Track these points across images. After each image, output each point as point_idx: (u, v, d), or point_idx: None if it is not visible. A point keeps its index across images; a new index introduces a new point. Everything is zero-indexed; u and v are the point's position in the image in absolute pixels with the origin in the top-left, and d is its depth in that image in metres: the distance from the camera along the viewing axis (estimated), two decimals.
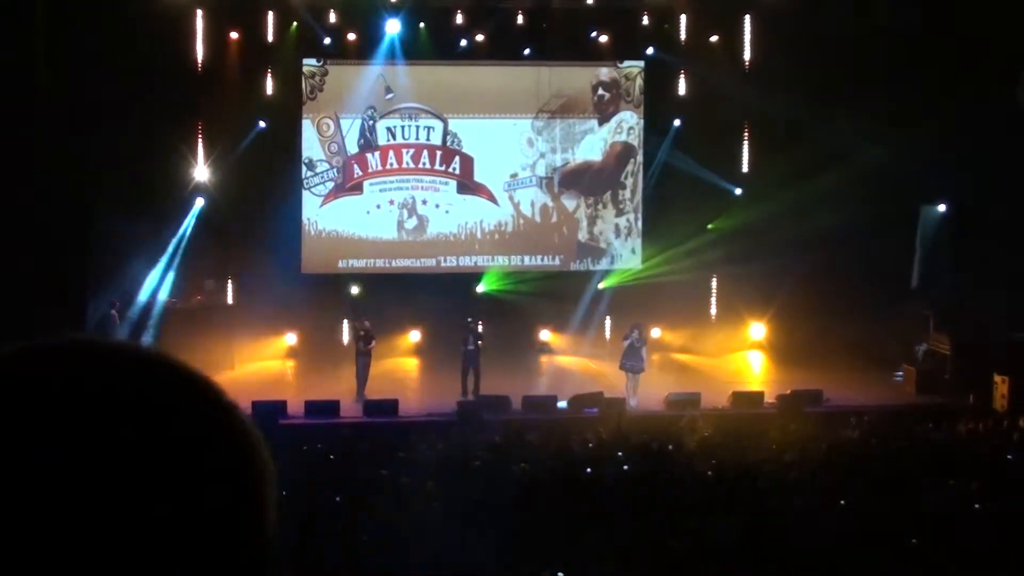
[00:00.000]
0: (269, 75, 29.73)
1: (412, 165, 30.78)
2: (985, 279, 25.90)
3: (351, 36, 29.86)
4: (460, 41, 30.35)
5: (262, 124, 29.42)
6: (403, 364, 29.55)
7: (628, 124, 31.61)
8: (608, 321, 31.08)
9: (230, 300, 29.29)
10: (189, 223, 28.72)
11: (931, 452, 19.49)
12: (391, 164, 30.70)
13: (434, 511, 14.49)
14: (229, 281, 29.51)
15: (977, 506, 15.10)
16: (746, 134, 31.26)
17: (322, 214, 30.45)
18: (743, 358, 30.86)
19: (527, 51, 30.66)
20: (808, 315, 28.68)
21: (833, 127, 27.46)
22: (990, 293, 25.59)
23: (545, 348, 30.94)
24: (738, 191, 31.17)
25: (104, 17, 25.89)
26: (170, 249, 28.35)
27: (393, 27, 29.68)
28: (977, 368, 25.69)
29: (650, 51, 31.14)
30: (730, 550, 12.97)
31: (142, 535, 1.24)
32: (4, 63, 23.73)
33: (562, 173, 31.45)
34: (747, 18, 30.89)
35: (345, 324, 29.79)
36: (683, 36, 31.24)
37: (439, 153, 30.85)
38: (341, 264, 30.44)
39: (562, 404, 24.85)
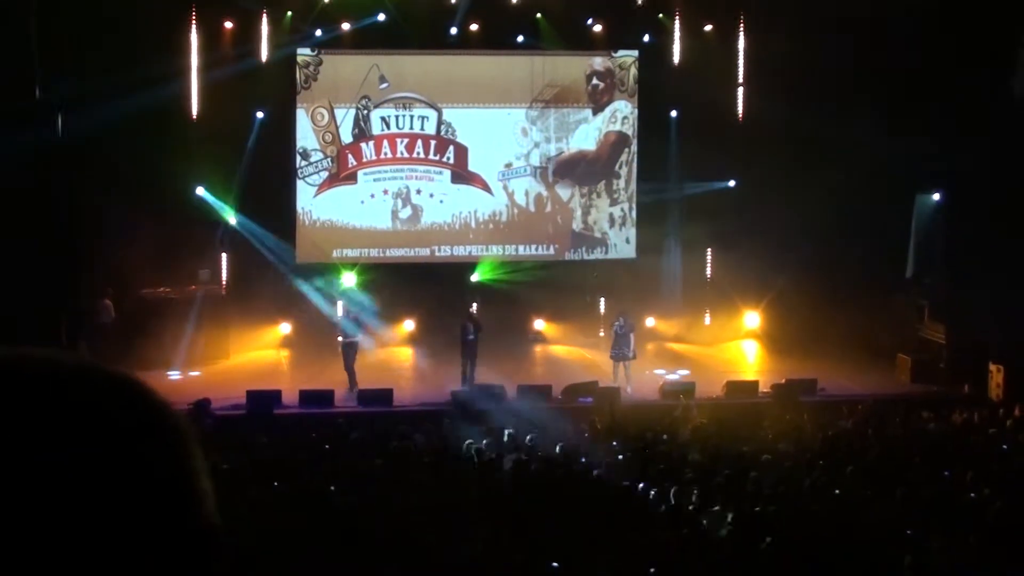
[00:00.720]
0: (263, 65, 29.67)
1: (406, 155, 30.75)
2: (980, 268, 25.91)
3: (345, 25, 29.81)
4: (454, 30, 30.34)
5: (260, 115, 29.46)
6: (397, 354, 29.53)
7: (623, 114, 31.58)
8: (603, 310, 31.10)
9: (224, 289, 29.21)
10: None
11: (926, 442, 19.51)
12: (385, 153, 30.67)
13: (428, 501, 14.50)
14: (224, 270, 29.46)
15: (972, 495, 15.12)
16: (741, 123, 31.19)
17: (316, 204, 30.41)
18: (738, 347, 30.85)
19: (520, 39, 30.63)
20: (803, 304, 28.66)
21: (828, 117, 27.42)
22: (985, 282, 25.59)
23: (539, 337, 30.92)
24: (731, 183, 31.14)
25: (98, 7, 25.88)
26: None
27: (386, 16, 29.69)
28: (972, 357, 25.70)
29: (646, 38, 31.11)
30: (725, 539, 12.98)
31: (68, 535, 1.27)
32: (4, 60, 23.71)
33: (556, 163, 31.42)
34: (741, 7, 30.84)
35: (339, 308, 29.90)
36: (677, 25, 31.20)
37: (433, 143, 30.81)
38: (335, 254, 30.40)
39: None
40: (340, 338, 26.13)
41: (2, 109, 23.80)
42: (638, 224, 31.63)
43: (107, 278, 27.46)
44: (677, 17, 31.14)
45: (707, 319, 31.53)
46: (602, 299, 31.24)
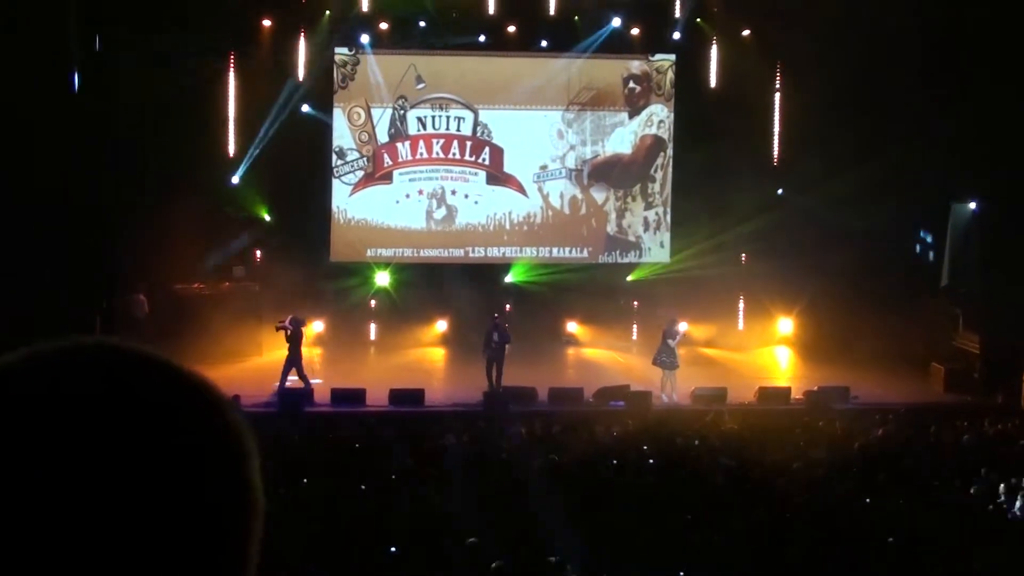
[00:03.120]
0: (301, 64, 29.78)
1: (442, 155, 30.79)
2: (1016, 277, 25.78)
3: (383, 25, 29.89)
4: (492, 32, 30.35)
5: (306, 108, 29.60)
6: (430, 354, 29.59)
7: (659, 117, 31.54)
8: (635, 316, 31.10)
9: (258, 286, 29.27)
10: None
11: (958, 451, 19.41)
12: (421, 154, 30.72)
13: (459, 501, 14.50)
14: (257, 267, 29.53)
15: (1005, 506, 15.04)
16: (777, 129, 31.12)
17: (351, 203, 30.48)
18: (770, 353, 30.75)
19: (553, 43, 30.65)
20: (837, 311, 28.57)
21: (865, 123, 27.34)
22: (1020, 292, 25.45)
23: (572, 340, 30.90)
24: (780, 191, 30.94)
25: (137, 4, 26.04)
26: None
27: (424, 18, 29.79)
28: (1006, 367, 25.54)
29: (676, 36, 31.00)
30: (754, 545, 12.95)
31: (133, 535, 1.27)
32: (41, 51, 23.79)
33: (592, 165, 31.40)
34: (779, 12, 30.72)
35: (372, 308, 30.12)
36: (715, 30, 31.12)
37: (469, 144, 30.84)
38: (369, 253, 30.47)
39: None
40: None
41: (39, 101, 23.86)
42: (672, 228, 31.58)
43: (141, 273, 27.57)
44: (715, 21, 31.05)
45: (740, 324, 31.42)
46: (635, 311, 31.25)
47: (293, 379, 25.02)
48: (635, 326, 30.94)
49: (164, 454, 1.31)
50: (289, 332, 25.24)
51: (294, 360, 25.18)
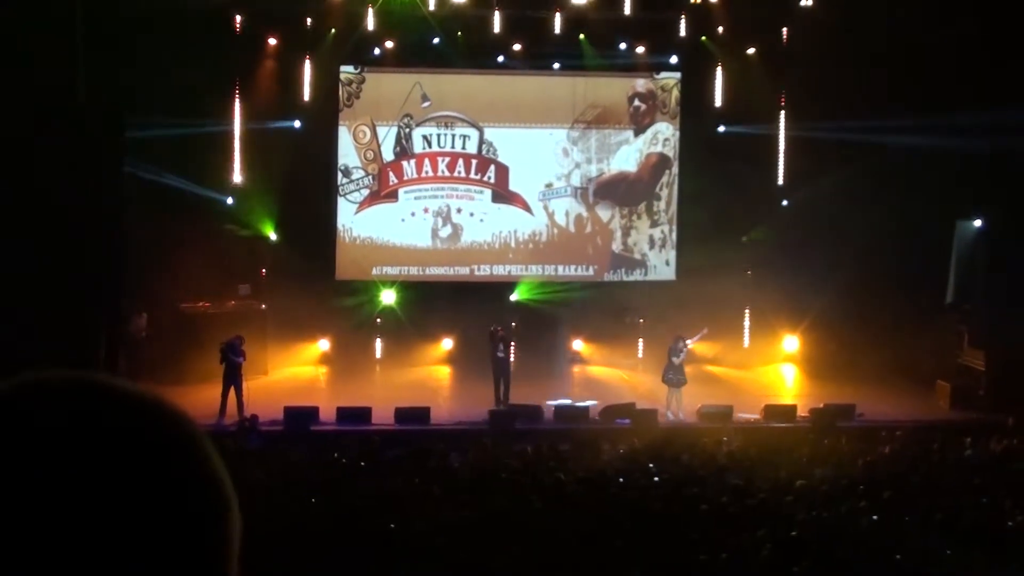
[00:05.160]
0: (306, 81, 29.78)
1: (447, 173, 30.84)
2: (1021, 294, 25.75)
3: (389, 44, 29.89)
4: (497, 50, 30.37)
5: (297, 124, 29.48)
6: (435, 372, 29.59)
7: (664, 135, 31.57)
8: (641, 332, 31.08)
9: (264, 305, 29.25)
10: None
11: (964, 469, 19.36)
12: (426, 172, 30.75)
13: (464, 520, 14.48)
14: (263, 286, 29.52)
15: (1010, 524, 15.01)
16: (782, 147, 31.10)
17: (357, 221, 30.51)
18: (776, 371, 30.72)
19: (559, 63, 30.73)
20: (842, 329, 28.56)
21: (869, 139, 27.36)
22: None
23: (577, 358, 30.89)
24: (785, 202, 30.95)
25: (143, 19, 26.07)
26: None
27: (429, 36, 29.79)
28: (1012, 384, 25.49)
29: (673, 60, 31.07)
30: (760, 565, 12.92)
31: (104, 560, 1.32)
32: (47, 74, 23.81)
33: (597, 183, 31.43)
34: (784, 30, 30.76)
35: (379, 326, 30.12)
36: (720, 47, 31.12)
37: (474, 162, 30.89)
38: (375, 271, 30.48)
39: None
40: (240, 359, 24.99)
41: (43, 120, 23.87)
42: (678, 246, 31.58)
43: (144, 292, 27.54)
44: (720, 40, 31.04)
45: (746, 342, 31.39)
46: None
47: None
48: (641, 344, 30.86)
49: (119, 471, 1.36)
50: (220, 358, 24.72)
51: (227, 385, 24.46)
